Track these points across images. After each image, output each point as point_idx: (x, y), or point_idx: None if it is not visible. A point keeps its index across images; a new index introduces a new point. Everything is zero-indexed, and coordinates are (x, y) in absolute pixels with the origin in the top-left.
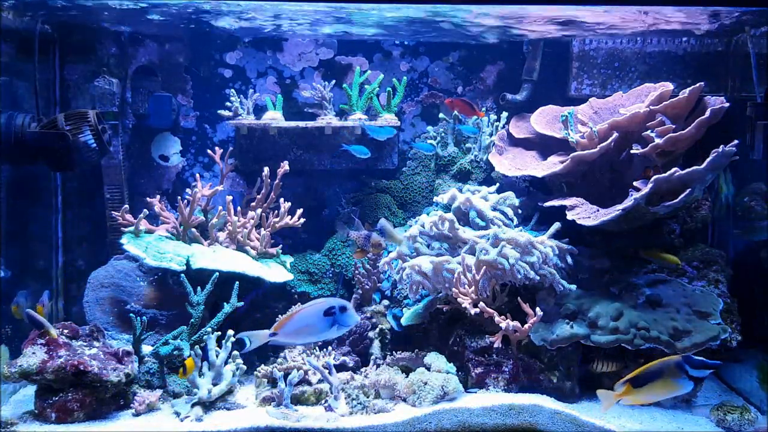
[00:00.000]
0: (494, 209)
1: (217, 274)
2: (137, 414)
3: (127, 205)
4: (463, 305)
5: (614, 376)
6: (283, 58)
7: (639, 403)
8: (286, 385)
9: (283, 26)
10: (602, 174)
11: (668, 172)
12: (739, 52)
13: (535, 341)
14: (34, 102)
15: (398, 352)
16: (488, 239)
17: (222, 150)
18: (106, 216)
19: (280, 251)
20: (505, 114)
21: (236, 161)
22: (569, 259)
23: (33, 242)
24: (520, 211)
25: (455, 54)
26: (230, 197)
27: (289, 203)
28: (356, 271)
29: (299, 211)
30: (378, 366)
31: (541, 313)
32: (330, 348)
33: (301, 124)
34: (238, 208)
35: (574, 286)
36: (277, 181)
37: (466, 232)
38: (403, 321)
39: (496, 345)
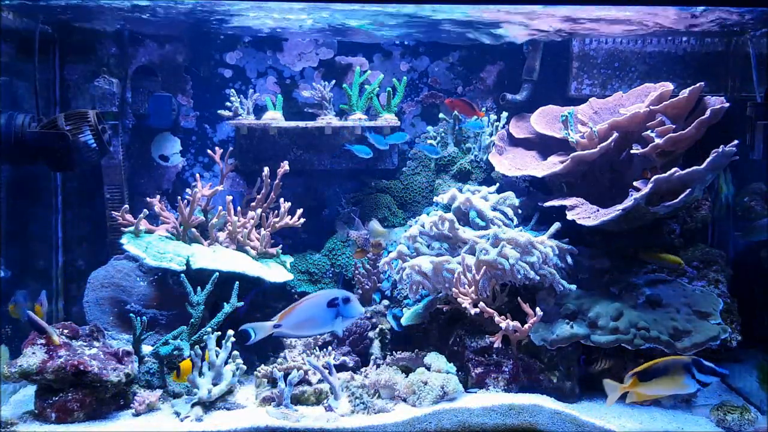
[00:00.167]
0: (494, 209)
1: (217, 274)
2: (137, 414)
3: (127, 205)
4: (463, 305)
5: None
6: (283, 58)
7: (643, 397)
8: (286, 385)
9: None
10: (602, 174)
11: (668, 172)
12: (739, 52)
13: (535, 341)
14: (34, 102)
15: (398, 352)
16: (488, 239)
17: (222, 150)
18: (106, 216)
19: (280, 251)
20: (505, 114)
21: (236, 161)
22: (569, 259)
23: (33, 242)
24: (520, 211)
25: (455, 54)
26: (230, 197)
27: (289, 203)
28: (356, 271)
29: (299, 211)
30: (378, 366)
31: (541, 313)
32: (330, 348)
33: (301, 124)
34: (238, 208)
35: (574, 286)
36: (277, 181)
37: (466, 232)
38: (403, 321)
39: (496, 345)
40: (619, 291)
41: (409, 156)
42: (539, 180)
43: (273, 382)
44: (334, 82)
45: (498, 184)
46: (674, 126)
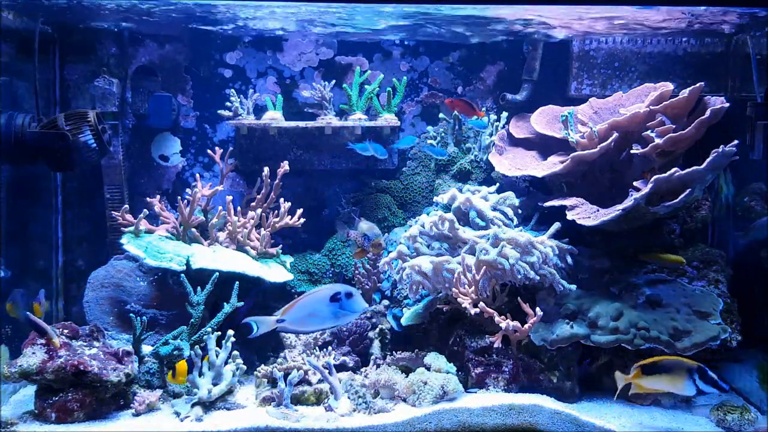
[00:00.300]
0: (494, 209)
1: (217, 274)
2: (137, 414)
3: (127, 205)
4: (463, 305)
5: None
6: (283, 58)
7: (643, 389)
8: (286, 385)
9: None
10: (602, 174)
11: (668, 172)
12: (739, 52)
13: (535, 341)
14: (34, 102)
15: (398, 352)
16: (488, 239)
17: (222, 150)
18: (106, 216)
19: (280, 251)
20: (505, 114)
21: (236, 161)
22: (569, 259)
23: (33, 242)
24: (520, 211)
25: (455, 54)
26: (230, 197)
27: (289, 203)
28: (356, 271)
29: (299, 211)
30: (378, 366)
31: (541, 313)
32: (330, 348)
33: (301, 124)
34: (238, 208)
35: (574, 286)
36: (277, 181)
37: (466, 232)
38: (403, 321)
39: (496, 345)
40: (619, 291)
41: (409, 156)
42: (539, 180)
43: (273, 382)
44: (334, 82)
45: (498, 184)
46: (674, 126)
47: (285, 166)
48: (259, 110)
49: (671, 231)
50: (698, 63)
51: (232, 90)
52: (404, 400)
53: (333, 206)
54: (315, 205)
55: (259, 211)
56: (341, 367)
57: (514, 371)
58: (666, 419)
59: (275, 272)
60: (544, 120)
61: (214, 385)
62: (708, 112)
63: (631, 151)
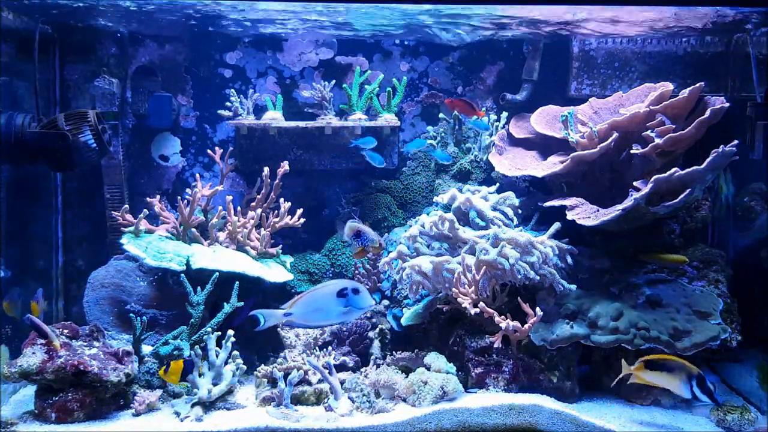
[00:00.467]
0: (494, 209)
1: (217, 274)
2: (137, 414)
3: (127, 205)
4: (463, 305)
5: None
6: (283, 58)
7: (643, 381)
8: (286, 385)
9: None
10: (602, 174)
11: (668, 172)
12: (739, 52)
13: (535, 341)
14: (34, 102)
15: (398, 352)
16: (488, 239)
17: (222, 150)
18: (106, 216)
19: (280, 251)
20: (505, 114)
21: (236, 161)
22: (569, 259)
23: (33, 242)
24: (520, 211)
25: (455, 54)
26: (230, 197)
27: (289, 203)
28: (356, 271)
29: (299, 211)
30: (378, 366)
31: (541, 313)
32: (330, 348)
33: (301, 124)
34: (238, 208)
35: (574, 286)
36: (277, 181)
37: (466, 232)
38: (403, 321)
39: (496, 345)
40: (619, 291)
41: (409, 156)
42: (539, 180)
43: (273, 382)
44: (334, 82)
45: (498, 184)
46: (674, 126)
47: (285, 166)
48: (259, 110)
49: (671, 231)
50: (698, 63)
51: (232, 90)
52: (404, 400)
53: (333, 206)
54: (315, 205)
55: (259, 211)
56: (341, 367)
57: (514, 371)
58: (666, 419)
59: (275, 272)
60: (544, 120)
61: (214, 385)
62: (708, 112)
63: (631, 151)
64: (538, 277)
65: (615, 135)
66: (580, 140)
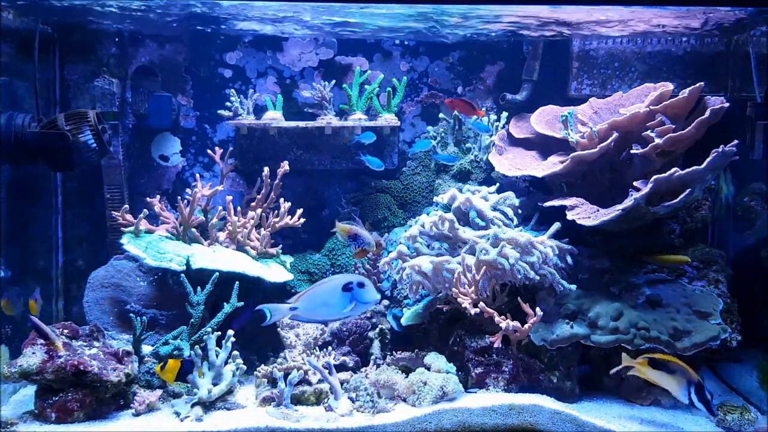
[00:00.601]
0: (494, 209)
1: (217, 274)
2: (137, 414)
3: (127, 205)
4: (463, 305)
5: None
6: (283, 58)
7: (644, 376)
8: (286, 385)
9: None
10: (602, 174)
11: (668, 172)
12: (739, 52)
13: (535, 341)
14: (34, 102)
15: (398, 352)
16: (488, 239)
17: (222, 150)
18: (106, 216)
19: (280, 251)
20: (505, 114)
21: (236, 161)
22: (569, 259)
23: (33, 242)
24: (520, 211)
25: (455, 54)
26: (230, 197)
27: (289, 203)
28: (356, 271)
29: (299, 211)
30: (378, 366)
31: (541, 313)
32: (330, 348)
33: (301, 124)
34: (238, 208)
35: (574, 286)
36: (277, 181)
37: (466, 232)
38: (403, 321)
39: (496, 345)
40: (619, 291)
41: (409, 156)
42: (539, 180)
43: (273, 382)
44: (334, 82)
45: (498, 184)
46: (674, 126)
47: (285, 166)
48: (259, 110)
49: (671, 231)
50: (698, 63)
51: (232, 90)
52: (404, 400)
53: (333, 206)
54: (315, 205)
55: (259, 211)
56: (341, 367)
57: (514, 371)
58: (666, 419)
59: (275, 272)
60: (544, 120)
61: (214, 385)
62: (708, 112)
63: (631, 151)
64: (538, 277)
65: (615, 135)
66: (580, 140)
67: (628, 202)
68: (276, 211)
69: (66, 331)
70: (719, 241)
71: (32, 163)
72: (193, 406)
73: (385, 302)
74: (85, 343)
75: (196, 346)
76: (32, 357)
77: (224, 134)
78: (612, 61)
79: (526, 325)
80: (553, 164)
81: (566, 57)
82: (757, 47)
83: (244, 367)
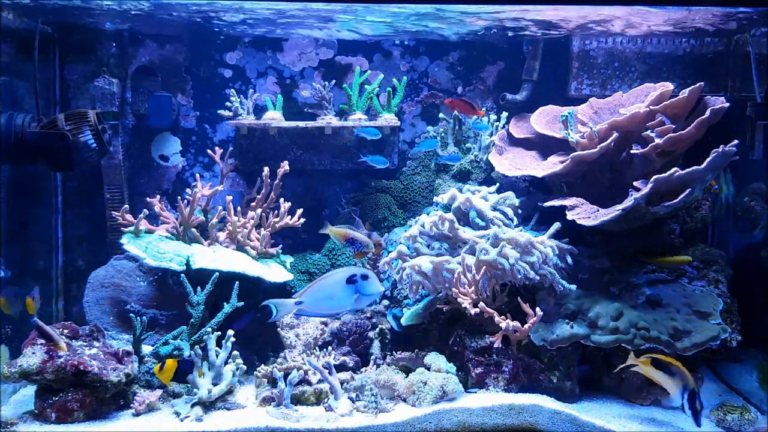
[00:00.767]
0: (494, 209)
1: (217, 274)
2: (137, 414)
3: (127, 205)
4: (463, 305)
5: (614, 376)
6: (283, 58)
7: (646, 374)
8: (286, 385)
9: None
10: (602, 174)
11: (668, 172)
12: (739, 52)
13: (535, 341)
14: (34, 102)
15: (398, 352)
16: (488, 239)
17: (222, 150)
18: (106, 216)
19: (280, 251)
20: (505, 114)
21: (236, 161)
22: (569, 259)
23: (33, 242)
24: (520, 211)
25: (455, 54)
26: (230, 197)
27: (289, 203)
28: None
29: (299, 211)
30: (378, 366)
31: (541, 313)
32: (330, 348)
33: (301, 124)
34: (238, 208)
35: (574, 286)
36: (277, 181)
37: (466, 232)
38: (403, 321)
39: (496, 345)
40: (619, 291)
41: (409, 156)
42: (539, 180)
43: (273, 382)
44: (334, 82)
45: (498, 184)
46: (674, 126)
47: (285, 166)
48: (259, 110)
49: (671, 231)
50: (698, 63)
51: (232, 90)
52: (404, 400)
53: (333, 206)
54: (315, 205)
55: (259, 211)
56: (341, 367)
57: (514, 371)
58: (666, 419)
59: (275, 272)
60: (544, 120)
61: (214, 385)
62: (708, 112)
63: (631, 151)
64: (538, 277)
65: (615, 135)
66: (580, 140)
67: (628, 202)
68: (276, 211)
69: (66, 331)
70: (719, 241)
71: (32, 163)
72: (193, 406)
73: (385, 302)
74: (85, 343)
75: (196, 346)
76: (32, 357)
77: (224, 134)
78: (612, 61)
79: (526, 325)
80: (553, 164)
81: (566, 57)
82: (757, 47)
83: (244, 367)
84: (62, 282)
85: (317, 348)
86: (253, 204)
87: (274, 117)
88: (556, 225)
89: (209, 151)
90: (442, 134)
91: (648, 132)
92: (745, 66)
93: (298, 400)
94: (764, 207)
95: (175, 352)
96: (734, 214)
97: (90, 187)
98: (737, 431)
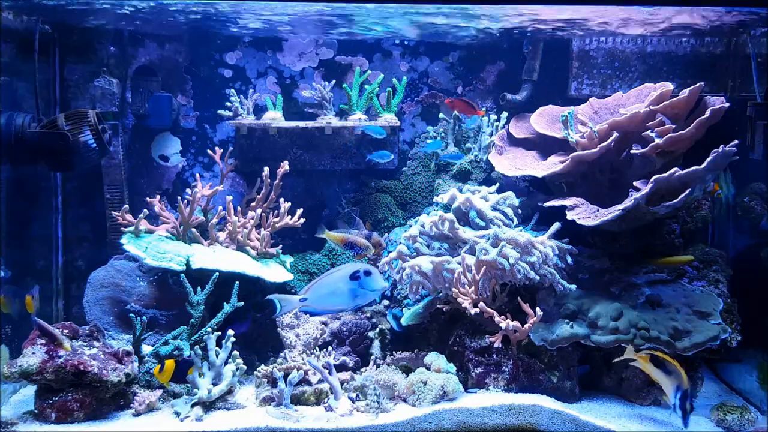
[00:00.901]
0: (494, 209)
1: (217, 274)
2: (137, 414)
3: (127, 205)
4: (463, 305)
5: (614, 376)
6: (283, 58)
7: (644, 369)
8: (286, 385)
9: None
10: (602, 174)
11: (668, 172)
12: (739, 52)
13: (535, 341)
14: (34, 102)
15: (398, 352)
16: (488, 239)
17: (222, 150)
18: (106, 216)
19: (280, 251)
20: (505, 114)
21: (236, 161)
22: (569, 259)
23: (33, 242)
24: (520, 211)
25: (455, 54)
26: (230, 197)
27: (289, 203)
28: None
29: (299, 211)
30: (378, 366)
31: (541, 313)
32: (330, 348)
33: (301, 124)
34: (238, 208)
35: (574, 286)
36: (277, 181)
37: (466, 232)
38: (403, 321)
39: (496, 345)
40: (619, 291)
41: (409, 156)
42: (539, 180)
43: (273, 382)
44: (334, 82)
45: (498, 184)
46: (674, 126)
47: (285, 166)
48: (259, 110)
49: (671, 231)
50: (698, 63)
51: (232, 90)
52: (404, 400)
53: (333, 206)
54: (315, 205)
55: (259, 211)
56: (341, 367)
57: (514, 371)
58: (666, 419)
59: (275, 272)
60: (544, 120)
61: (214, 385)
62: (708, 112)
63: (631, 152)
64: (538, 277)
65: (615, 135)
66: (580, 140)
67: (628, 202)
68: (276, 211)
69: (66, 331)
70: (719, 241)
71: (32, 163)
72: (193, 406)
73: (385, 302)
74: (85, 343)
75: (196, 346)
76: (32, 357)
77: (224, 134)
78: (612, 61)
79: (526, 325)
80: (553, 164)
81: (566, 57)
82: (757, 47)
83: (244, 367)
84: (62, 282)
85: (317, 348)
86: (253, 204)
87: (274, 117)
88: (556, 225)
89: (209, 151)
90: (442, 134)
91: (648, 132)
92: (745, 66)
93: (298, 400)
94: (764, 207)
95: (175, 352)
96: (734, 214)
97: (90, 187)
98: (737, 431)
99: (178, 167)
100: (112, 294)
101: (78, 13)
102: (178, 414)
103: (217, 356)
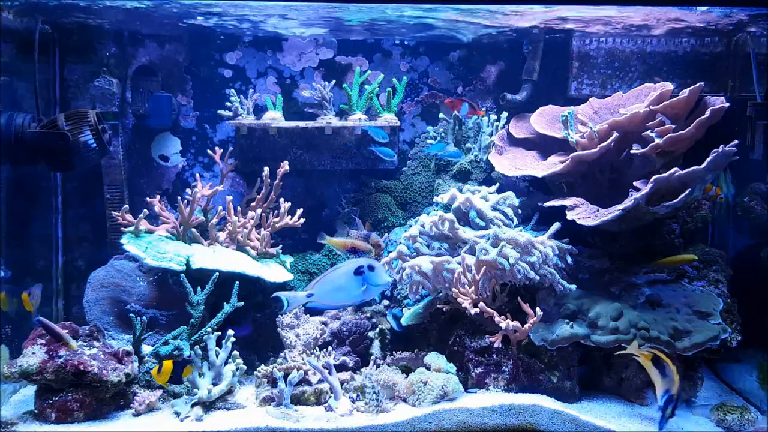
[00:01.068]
0: (494, 209)
1: (217, 274)
2: (137, 414)
3: (127, 205)
4: (463, 305)
5: (614, 376)
6: (283, 58)
7: (645, 366)
8: (286, 385)
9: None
10: (602, 174)
11: (668, 172)
12: (739, 52)
13: (535, 341)
14: (34, 102)
15: (398, 352)
16: (488, 239)
17: (222, 150)
18: (106, 216)
19: (280, 251)
20: (505, 114)
21: (236, 161)
22: (569, 259)
23: (33, 242)
24: (520, 211)
25: (455, 54)
26: (230, 197)
27: (289, 203)
28: None
29: (299, 211)
30: (378, 366)
31: (541, 313)
32: (330, 348)
33: (301, 124)
34: (238, 208)
35: (574, 286)
36: (277, 181)
37: (466, 232)
38: (403, 321)
39: (496, 345)
40: (619, 291)
41: (409, 156)
42: (539, 180)
43: (273, 382)
44: (334, 82)
45: (498, 184)
46: (674, 126)
47: (285, 166)
48: (259, 110)
49: (671, 231)
50: (698, 63)
51: (232, 90)
52: (404, 400)
53: (333, 206)
54: (315, 205)
55: (259, 211)
56: (341, 367)
57: (514, 371)
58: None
59: (275, 272)
60: (544, 120)
61: (214, 385)
62: (708, 112)
63: (631, 152)
64: (538, 277)
65: (615, 135)
66: (580, 140)
67: (628, 202)
68: (276, 211)
69: (66, 331)
70: (719, 241)
71: (32, 163)
72: (193, 406)
73: (385, 302)
74: (85, 343)
75: (196, 346)
76: (32, 357)
77: (224, 134)
78: (612, 61)
79: (526, 325)
80: (553, 164)
81: (566, 57)
82: (757, 47)
83: (244, 367)
84: (62, 282)
85: (317, 348)
86: (253, 204)
87: (274, 117)
88: (556, 225)
89: (209, 151)
90: (442, 134)
91: (648, 132)
92: (745, 66)
93: (298, 400)
94: (764, 207)
95: (175, 352)
96: (734, 214)
97: (90, 187)
98: (737, 431)
99: (178, 167)
100: (112, 294)
101: (80, 10)
102: (178, 414)
103: (217, 356)
